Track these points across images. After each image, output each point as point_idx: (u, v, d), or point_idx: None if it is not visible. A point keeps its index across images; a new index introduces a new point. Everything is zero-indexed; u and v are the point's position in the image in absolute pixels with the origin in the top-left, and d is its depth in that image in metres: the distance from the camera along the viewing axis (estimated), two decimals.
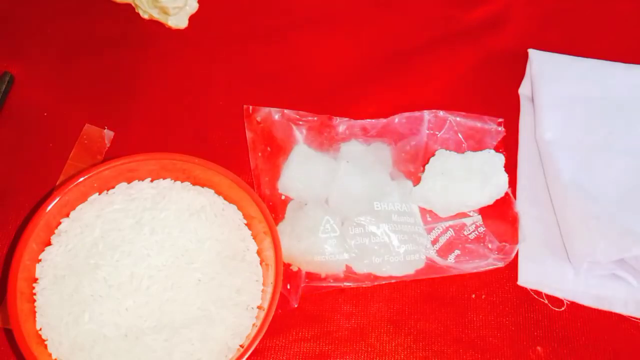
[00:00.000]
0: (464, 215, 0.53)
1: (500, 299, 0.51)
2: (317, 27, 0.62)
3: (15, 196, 0.53)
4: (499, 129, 0.56)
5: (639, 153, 0.54)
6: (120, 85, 0.58)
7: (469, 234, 0.52)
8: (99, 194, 0.48)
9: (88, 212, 0.46)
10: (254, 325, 0.45)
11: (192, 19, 0.62)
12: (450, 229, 0.53)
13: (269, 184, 0.53)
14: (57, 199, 0.46)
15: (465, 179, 0.52)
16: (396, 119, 0.56)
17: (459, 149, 0.55)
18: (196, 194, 0.48)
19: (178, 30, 0.61)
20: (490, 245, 0.52)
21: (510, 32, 0.62)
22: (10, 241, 0.51)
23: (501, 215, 0.53)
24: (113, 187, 0.48)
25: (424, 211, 0.53)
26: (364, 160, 0.53)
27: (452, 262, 0.51)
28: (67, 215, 0.46)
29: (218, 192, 0.49)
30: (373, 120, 0.56)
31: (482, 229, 0.52)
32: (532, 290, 0.51)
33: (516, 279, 0.51)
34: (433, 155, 0.54)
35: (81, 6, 0.62)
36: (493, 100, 0.58)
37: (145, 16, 0.61)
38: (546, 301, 0.50)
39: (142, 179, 0.49)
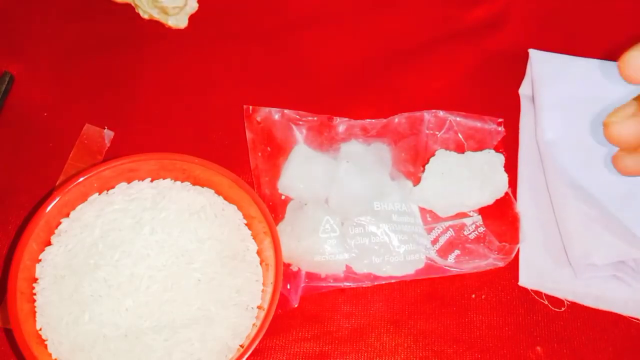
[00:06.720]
0: (464, 215, 0.53)
1: (500, 299, 0.51)
2: (317, 27, 0.62)
3: (15, 196, 0.53)
4: (499, 129, 0.56)
5: None
6: (120, 85, 0.58)
7: (469, 234, 0.52)
8: (99, 194, 0.48)
9: (88, 212, 0.46)
10: (254, 325, 0.45)
11: (192, 18, 0.62)
12: (450, 229, 0.53)
13: (269, 184, 0.53)
14: (57, 199, 0.46)
15: (465, 179, 0.52)
16: (396, 119, 0.56)
17: (459, 149, 0.55)
18: (196, 194, 0.48)
19: (178, 30, 0.61)
20: (490, 245, 0.52)
21: (510, 32, 0.62)
22: (10, 241, 0.51)
23: (501, 215, 0.53)
24: (113, 187, 0.48)
25: (424, 211, 0.53)
26: (363, 160, 0.53)
27: (452, 262, 0.51)
28: (67, 215, 0.46)
29: (218, 192, 0.49)
30: (373, 120, 0.56)
31: (482, 229, 0.52)
32: (532, 290, 0.51)
33: (516, 279, 0.51)
34: (433, 155, 0.54)
35: (81, 6, 0.62)
36: (493, 100, 0.58)
37: (145, 16, 0.61)
38: (546, 301, 0.50)
39: (142, 179, 0.49)
